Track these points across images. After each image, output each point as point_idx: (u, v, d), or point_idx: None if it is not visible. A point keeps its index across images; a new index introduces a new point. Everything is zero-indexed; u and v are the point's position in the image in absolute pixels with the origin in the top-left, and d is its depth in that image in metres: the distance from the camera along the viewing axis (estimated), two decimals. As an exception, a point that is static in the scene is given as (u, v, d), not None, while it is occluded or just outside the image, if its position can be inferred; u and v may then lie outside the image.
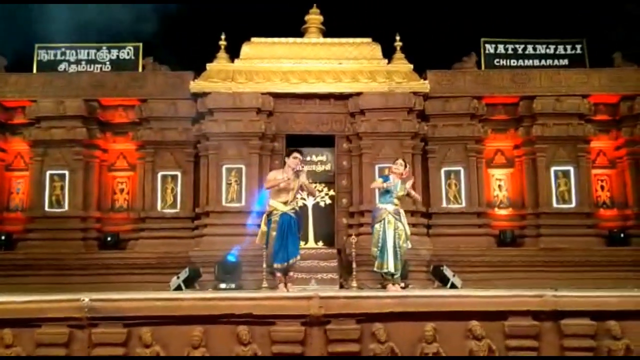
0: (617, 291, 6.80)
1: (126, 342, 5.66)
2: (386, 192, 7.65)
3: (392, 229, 7.51)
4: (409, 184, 7.79)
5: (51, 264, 10.40)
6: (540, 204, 11.02)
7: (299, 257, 7.54)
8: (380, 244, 7.52)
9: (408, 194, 7.82)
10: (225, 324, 5.74)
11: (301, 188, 7.56)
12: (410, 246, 7.76)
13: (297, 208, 7.66)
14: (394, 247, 7.51)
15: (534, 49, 11.88)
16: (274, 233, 7.35)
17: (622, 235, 11.04)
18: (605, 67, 11.53)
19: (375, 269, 7.65)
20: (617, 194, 11.51)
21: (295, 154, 7.54)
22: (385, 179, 7.75)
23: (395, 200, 7.63)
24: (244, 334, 5.67)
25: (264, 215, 7.61)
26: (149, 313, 5.72)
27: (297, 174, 7.38)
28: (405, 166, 7.83)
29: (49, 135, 10.98)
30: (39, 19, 11.85)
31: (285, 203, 7.42)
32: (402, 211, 7.71)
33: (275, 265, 7.49)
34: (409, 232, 7.72)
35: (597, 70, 11.47)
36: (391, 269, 7.46)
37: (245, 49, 11.39)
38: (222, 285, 9.42)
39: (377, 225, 7.62)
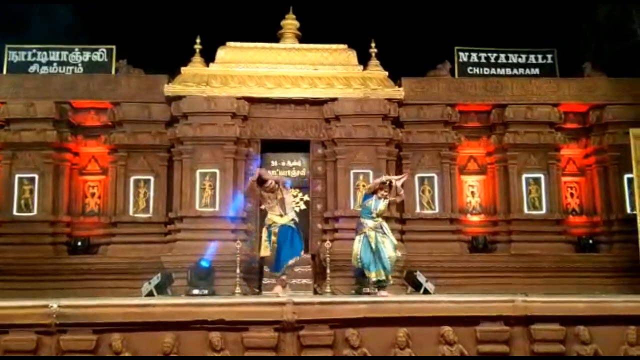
0: (586, 296, 6.93)
1: (96, 348, 5.58)
2: (366, 209, 7.89)
3: (374, 243, 7.73)
4: (400, 181, 8.13)
5: (20, 269, 10.18)
6: (512, 210, 11.18)
7: (293, 261, 7.92)
8: (360, 256, 7.77)
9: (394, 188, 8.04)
10: (198, 330, 5.69)
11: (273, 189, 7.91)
12: (399, 255, 8.19)
13: (296, 219, 8.07)
14: (378, 258, 7.73)
15: (507, 58, 12.06)
16: (274, 245, 7.80)
17: (590, 241, 11.24)
18: (575, 77, 11.76)
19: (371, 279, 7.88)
20: (586, 201, 11.73)
21: (270, 181, 7.95)
22: (367, 197, 8.03)
23: (377, 218, 7.86)
24: (217, 340, 5.63)
25: (264, 228, 8.04)
26: (120, 319, 5.65)
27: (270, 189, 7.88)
28: (390, 187, 8.03)
29: (19, 138, 10.76)
30: (10, 19, 11.65)
31: (280, 216, 7.89)
32: (384, 224, 7.96)
33: (276, 274, 7.99)
34: (395, 242, 8.00)
35: (567, 79, 11.70)
36: (373, 277, 7.74)
37: (221, 53, 11.35)
38: (195, 291, 9.33)
39: (357, 238, 7.92)
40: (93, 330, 5.58)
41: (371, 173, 10.73)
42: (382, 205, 7.88)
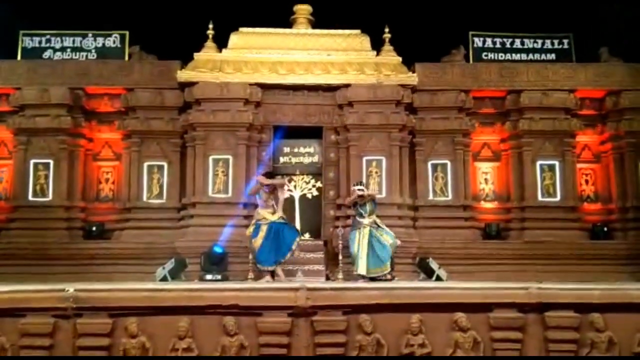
0: (601, 284, 6.89)
1: (111, 332, 5.65)
2: (358, 212, 8.91)
3: (367, 238, 8.68)
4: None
5: (35, 253, 10.29)
6: (526, 197, 11.10)
7: (282, 260, 8.65)
8: (356, 253, 8.64)
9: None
10: (212, 314, 5.74)
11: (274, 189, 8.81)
12: (399, 243, 8.93)
13: (284, 216, 8.80)
14: (369, 254, 8.66)
15: (522, 43, 11.91)
16: (260, 240, 8.48)
17: (605, 229, 11.14)
18: (591, 62, 11.60)
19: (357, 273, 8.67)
20: (601, 189, 11.61)
21: (262, 177, 8.93)
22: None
23: (370, 216, 8.82)
24: (231, 324, 5.68)
25: (253, 221, 8.76)
26: (135, 304, 5.71)
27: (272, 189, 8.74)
28: (364, 190, 8.94)
29: (33, 124, 10.83)
30: (24, 5, 11.67)
31: (272, 213, 8.64)
32: (378, 220, 8.91)
33: (262, 267, 8.59)
34: (391, 232, 8.87)
35: (584, 65, 11.54)
36: (362, 272, 8.58)
37: (234, 38, 11.31)
38: (208, 276, 9.39)
39: (352, 234, 8.80)
40: (109, 314, 5.65)
41: (384, 160, 10.70)
42: (369, 207, 8.82)
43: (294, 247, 8.63)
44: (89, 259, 10.44)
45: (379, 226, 8.82)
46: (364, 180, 10.41)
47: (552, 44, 11.88)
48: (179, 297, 5.81)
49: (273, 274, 8.63)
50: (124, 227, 10.83)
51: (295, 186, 11.13)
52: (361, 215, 8.85)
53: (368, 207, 8.86)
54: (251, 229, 8.73)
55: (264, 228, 8.58)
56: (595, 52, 11.77)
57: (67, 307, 5.59)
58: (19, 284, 6.57)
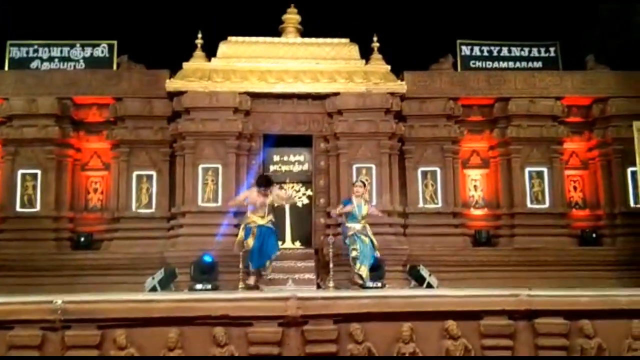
0: (590, 290, 6.92)
1: (100, 344, 5.58)
2: (351, 214, 8.72)
3: (368, 243, 8.66)
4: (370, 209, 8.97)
5: (23, 264, 10.20)
6: (515, 204, 11.16)
7: (267, 264, 8.67)
8: (360, 251, 8.55)
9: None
10: (202, 325, 5.69)
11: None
12: (379, 255, 8.88)
13: (273, 220, 8.77)
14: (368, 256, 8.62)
15: (509, 51, 12.04)
16: (251, 242, 8.50)
17: (594, 235, 11.23)
18: (578, 70, 11.72)
19: (358, 271, 8.52)
20: (589, 195, 11.71)
21: (260, 183, 8.76)
22: (347, 202, 8.84)
23: (362, 221, 8.73)
24: (221, 335, 5.63)
25: (242, 225, 8.77)
26: (124, 315, 5.65)
27: (264, 194, 8.61)
28: (364, 185, 8.95)
29: (21, 134, 10.76)
30: (11, 15, 11.62)
31: (262, 217, 8.60)
32: (367, 226, 8.80)
33: (252, 270, 8.64)
34: (376, 243, 8.81)
35: (570, 72, 11.66)
36: (363, 274, 8.51)
37: (223, 48, 11.31)
38: (198, 286, 9.34)
39: (347, 241, 8.75)
40: (97, 326, 5.58)
41: (374, 167, 10.73)
42: (364, 209, 8.75)
43: (272, 257, 8.71)
44: (78, 269, 10.36)
45: (367, 234, 8.76)
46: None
47: (539, 52, 12.02)
48: (169, 308, 5.75)
49: (258, 276, 8.73)
50: (113, 238, 10.75)
51: (285, 194, 11.11)
52: (354, 219, 8.73)
53: (364, 208, 8.78)
54: (242, 233, 8.73)
55: (255, 231, 8.59)
56: (581, 60, 11.90)
57: (55, 319, 5.53)
58: (6, 296, 6.49)
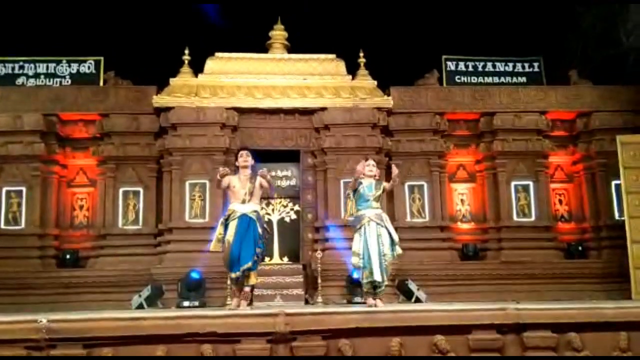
0: (577, 303, 6.96)
1: (86, 363, 5.50)
2: (360, 197, 7.05)
3: (375, 235, 6.88)
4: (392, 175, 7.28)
5: (7, 283, 10.05)
6: (501, 217, 11.23)
7: (249, 265, 6.81)
8: (362, 253, 6.89)
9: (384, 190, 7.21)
10: (189, 342, 5.63)
11: (261, 185, 7.07)
12: (400, 252, 7.07)
13: (258, 210, 7.07)
14: (379, 254, 6.84)
15: (494, 66, 12.21)
16: (230, 238, 6.81)
17: (579, 248, 11.30)
18: (561, 85, 11.88)
19: (363, 280, 7.04)
20: (574, 208, 11.80)
21: (241, 152, 7.37)
22: (354, 193, 7.21)
23: (374, 204, 7.00)
24: (209, 352, 5.58)
25: (222, 219, 7.10)
26: (110, 333, 5.58)
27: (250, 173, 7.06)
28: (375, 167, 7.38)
29: (6, 151, 10.67)
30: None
31: (243, 202, 6.93)
32: (385, 215, 7.09)
33: (231, 275, 6.98)
34: (396, 238, 7.00)
35: (554, 87, 11.82)
36: (377, 277, 6.81)
37: (210, 63, 11.34)
38: (186, 303, 9.28)
39: (355, 235, 7.01)
40: (83, 345, 5.50)
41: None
42: (375, 188, 7.05)
43: (255, 259, 6.85)
44: (63, 287, 10.24)
45: (383, 224, 6.97)
46: (342, 203, 10.43)
47: (523, 67, 12.20)
48: (156, 326, 5.69)
49: (239, 283, 7.01)
50: (99, 255, 10.66)
51: (273, 209, 11.10)
52: (365, 201, 6.96)
53: (375, 188, 7.04)
54: (220, 228, 7.04)
55: (233, 223, 6.86)
56: (565, 74, 12.07)
57: (40, 338, 5.45)
58: (-10, 316, 6.40)
